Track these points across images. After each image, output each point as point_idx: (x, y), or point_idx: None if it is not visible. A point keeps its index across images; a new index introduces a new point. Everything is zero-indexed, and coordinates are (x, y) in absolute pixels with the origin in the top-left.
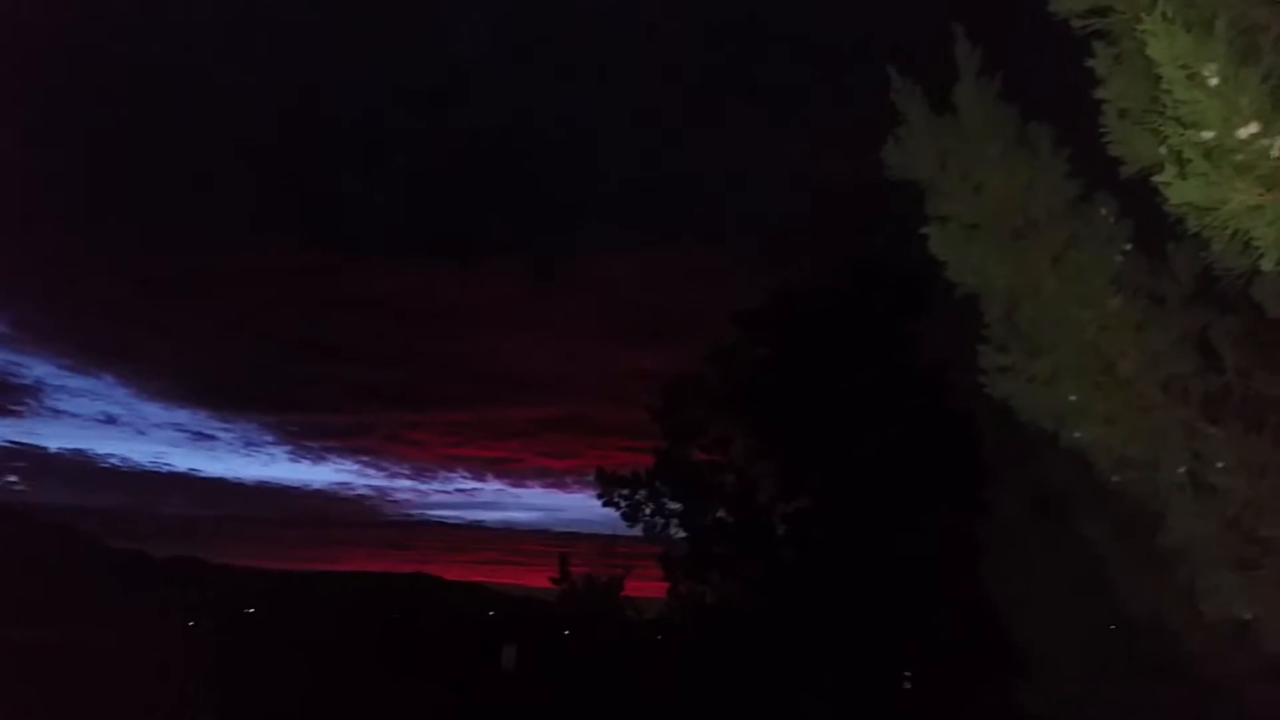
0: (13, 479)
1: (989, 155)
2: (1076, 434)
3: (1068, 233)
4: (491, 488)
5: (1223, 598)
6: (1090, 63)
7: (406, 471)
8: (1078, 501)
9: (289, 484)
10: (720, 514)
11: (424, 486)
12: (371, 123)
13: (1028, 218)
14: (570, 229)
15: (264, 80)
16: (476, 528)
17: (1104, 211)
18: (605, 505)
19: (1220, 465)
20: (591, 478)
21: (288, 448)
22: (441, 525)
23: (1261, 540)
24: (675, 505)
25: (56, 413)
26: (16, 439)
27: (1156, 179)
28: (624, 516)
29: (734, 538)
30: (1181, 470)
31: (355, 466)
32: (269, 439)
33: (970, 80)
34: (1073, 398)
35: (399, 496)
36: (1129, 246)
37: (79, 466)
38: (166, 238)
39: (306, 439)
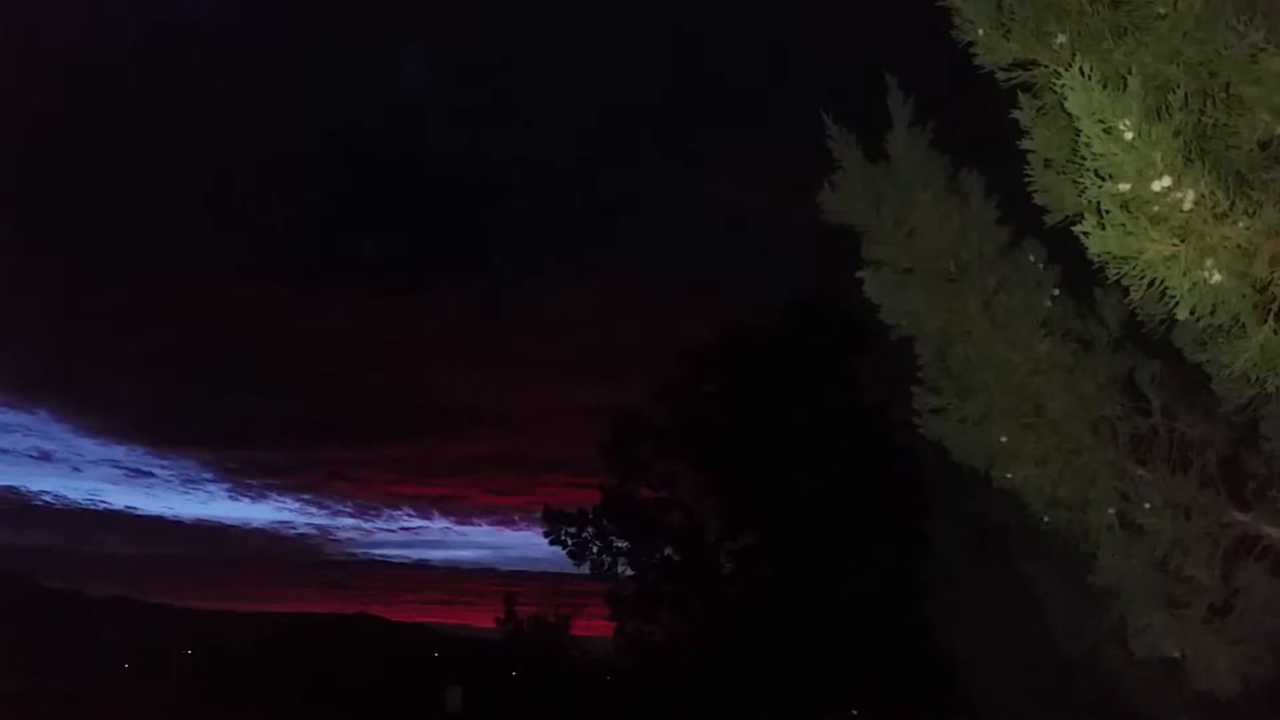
0: None
1: (921, 202)
2: (1008, 475)
3: (998, 277)
4: (437, 525)
5: (1152, 636)
6: (1016, 114)
7: (349, 509)
8: (1014, 540)
9: (228, 522)
10: (667, 551)
11: (368, 525)
12: (310, 150)
13: (959, 263)
14: (514, 263)
15: (201, 106)
16: (422, 566)
17: (1033, 257)
18: (553, 543)
19: (1148, 506)
20: (539, 515)
21: (227, 485)
22: (386, 564)
23: (1188, 580)
24: (622, 543)
25: None
26: None
27: (1077, 229)
28: (571, 555)
29: (681, 575)
30: (1111, 511)
31: (297, 504)
32: (208, 476)
33: (903, 129)
34: (1003, 439)
35: (342, 535)
36: (1057, 291)
37: (12, 504)
38: (100, 269)
39: (246, 476)
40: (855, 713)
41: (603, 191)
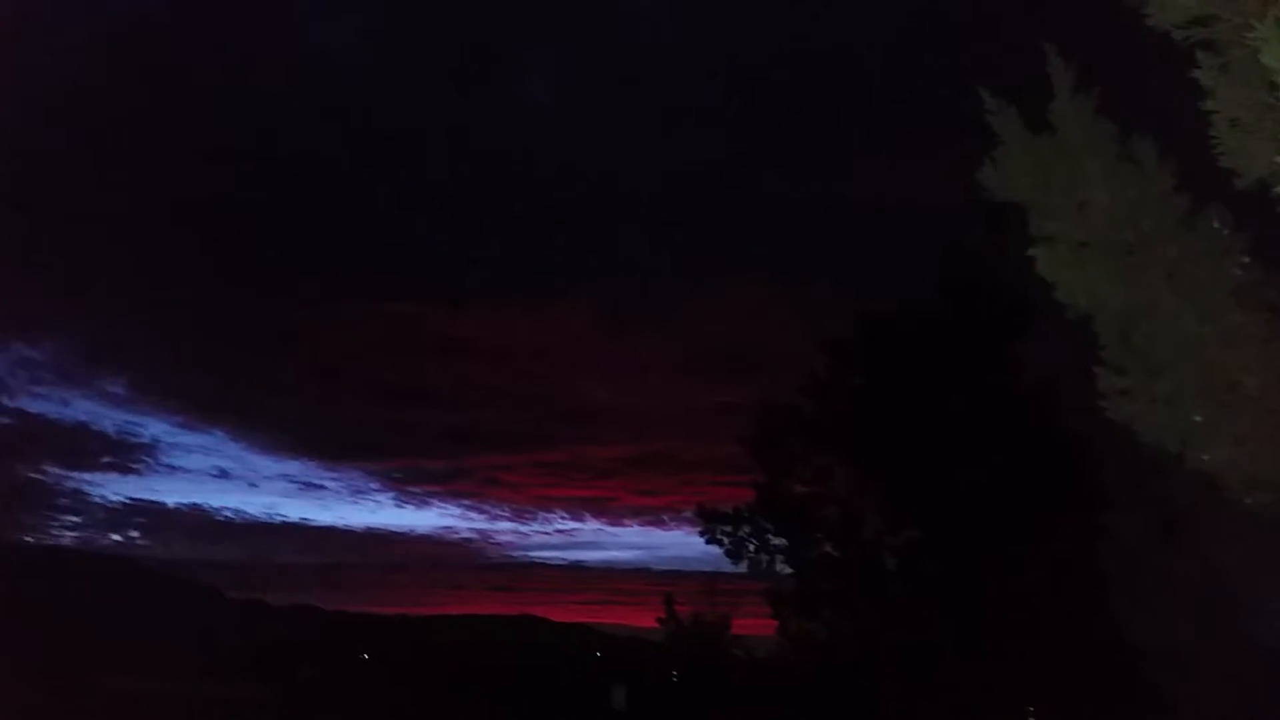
0: (135, 534)
1: (1091, 172)
2: (1204, 456)
3: (1180, 247)
4: (590, 527)
5: None
6: (1195, 74)
7: (506, 514)
8: (1207, 525)
9: (396, 530)
10: (826, 548)
11: (524, 528)
12: (444, 170)
13: (1138, 234)
14: (645, 265)
15: (345, 135)
16: (578, 568)
17: (1217, 224)
18: (709, 542)
19: None
20: (689, 514)
21: (392, 494)
22: (544, 566)
23: None
24: (779, 540)
25: (172, 469)
26: (136, 495)
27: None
28: (727, 554)
29: (842, 573)
30: None
31: (458, 510)
32: (374, 486)
33: (1066, 97)
34: (1197, 418)
35: (501, 539)
36: (1247, 259)
37: (196, 520)
38: (260, 295)
39: (409, 485)
40: (1032, 711)
41: (728, 190)
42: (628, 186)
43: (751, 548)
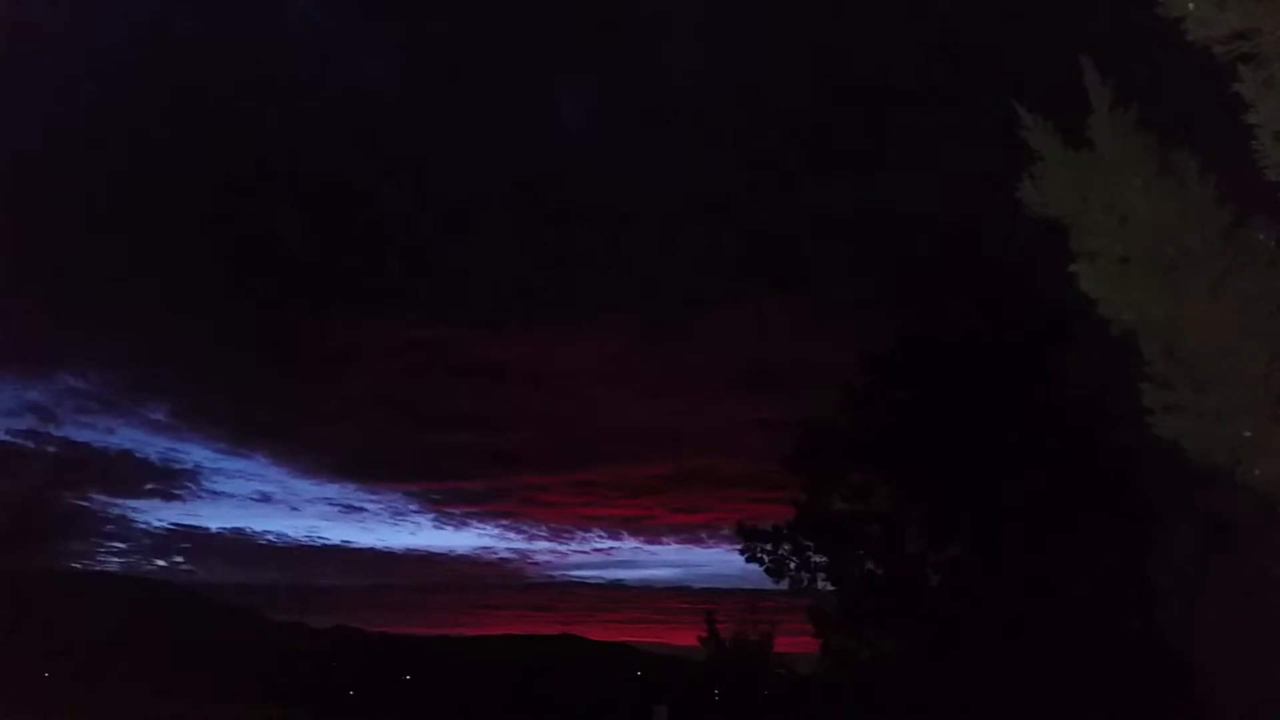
0: (179, 559)
1: (1132, 186)
2: (1255, 470)
3: (1225, 260)
4: (628, 545)
5: None
6: (1236, 87)
7: (544, 533)
8: (1257, 538)
9: (435, 550)
10: (869, 565)
11: (562, 547)
12: (481, 196)
13: (1180, 248)
14: (676, 285)
15: (382, 163)
16: (617, 587)
17: (1261, 237)
18: (749, 561)
19: None
20: (727, 531)
21: (431, 515)
22: (583, 585)
23: None
24: (820, 558)
25: (215, 494)
26: (180, 521)
27: None
28: (768, 572)
29: (885, 590)
30: None
31: (496, 530)
32: (413, 508)
33: (1104, 112)
34: (1247, 433)
35: (540, 558)
36: None
37: (239, 544)
38: (299, 321)
39: (448, 506)
40: None
41: (764, 206)
42: (661, 206)
43: (792, 565)
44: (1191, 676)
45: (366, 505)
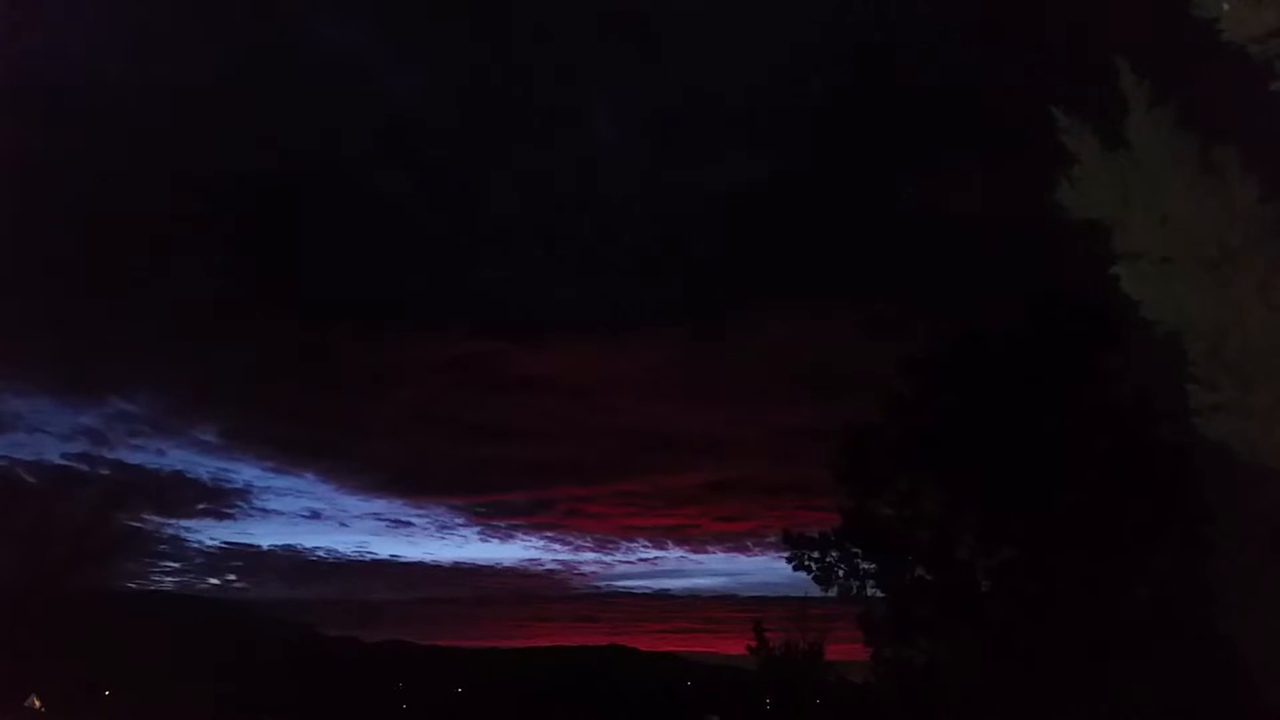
0: (231, 577)
1: (1173, 187)
2: None
3: (1269, 259)
4: (673, 555)
5: None
6: (1275, 85)
7: (590, 544)
8: None
9: (482, 563)
10: (918, 571)
11: (608, 558)
12: (520, 212)
13: (1223, 247)
14: (716, 294)
15: (425, 182)
16: (663, 596)
17: None
18: (796, 569)
19: None
20: (772, 539)
21: (478, 528)
22: (629, 595)
23: None
24: (868, 564)
25: (265, 512)
26: (232, 539)
27: None
28: (817, 580)
29: (936, 596)
30: None
31: (541, 542)
32: (460, 521)
33: (1142, 112)
34: None
35: (586, 569)
36: None
37: (289, 561)
38: (345, 340)
39: (494, 519)
40: None
41: (804, 212)
42: (700, 216)
43: (841, 573)
44: (1252, 681)
45: (414, 520)
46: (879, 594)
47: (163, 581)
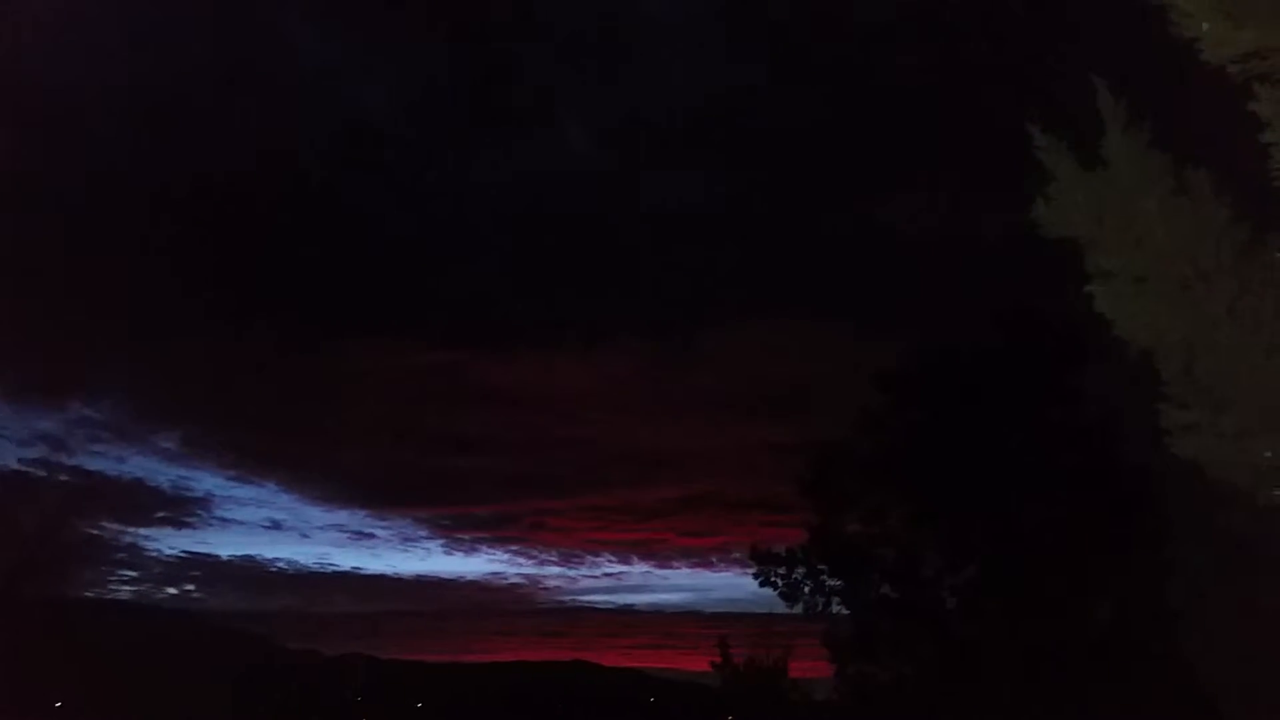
0: (190, 587)
1: (1147, 206)
2: (1276, 491)
3: (1241, 280)
4: (638, 570)
5: None
6: (1252, 106)
7: (554, 558)
8: (1277, 559)
9: (445, 576)
10: (884, 589)
11: (573, 572)
12: (487, 219)
13: (1196, 268)
14: (687, 306)
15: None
16: (628, 612)
17: (1279, 255)
18: (763, 585)
19: None
20: (738, 555)
21: (441, 541)
22: (594, 610)
23: None
24: (835, 581)
25: (225, 522)
26: (191, 549)
27: None
28: (782, 596)
29: (901, 613)
30: None
31: (505, 556)
32: (423, 534)
33: (1118, 132)
34: (1268, 454)
35: (550, 583)
36: None
37: (250, 571)
38: (308, 348)
39: (458, 531)
40: None
41: (771, 227)
42: (667, 227)
43: (807, 589)
44: (1210, 698)
45: (377, 531)
46: (844, 611)
47: (120, 590)
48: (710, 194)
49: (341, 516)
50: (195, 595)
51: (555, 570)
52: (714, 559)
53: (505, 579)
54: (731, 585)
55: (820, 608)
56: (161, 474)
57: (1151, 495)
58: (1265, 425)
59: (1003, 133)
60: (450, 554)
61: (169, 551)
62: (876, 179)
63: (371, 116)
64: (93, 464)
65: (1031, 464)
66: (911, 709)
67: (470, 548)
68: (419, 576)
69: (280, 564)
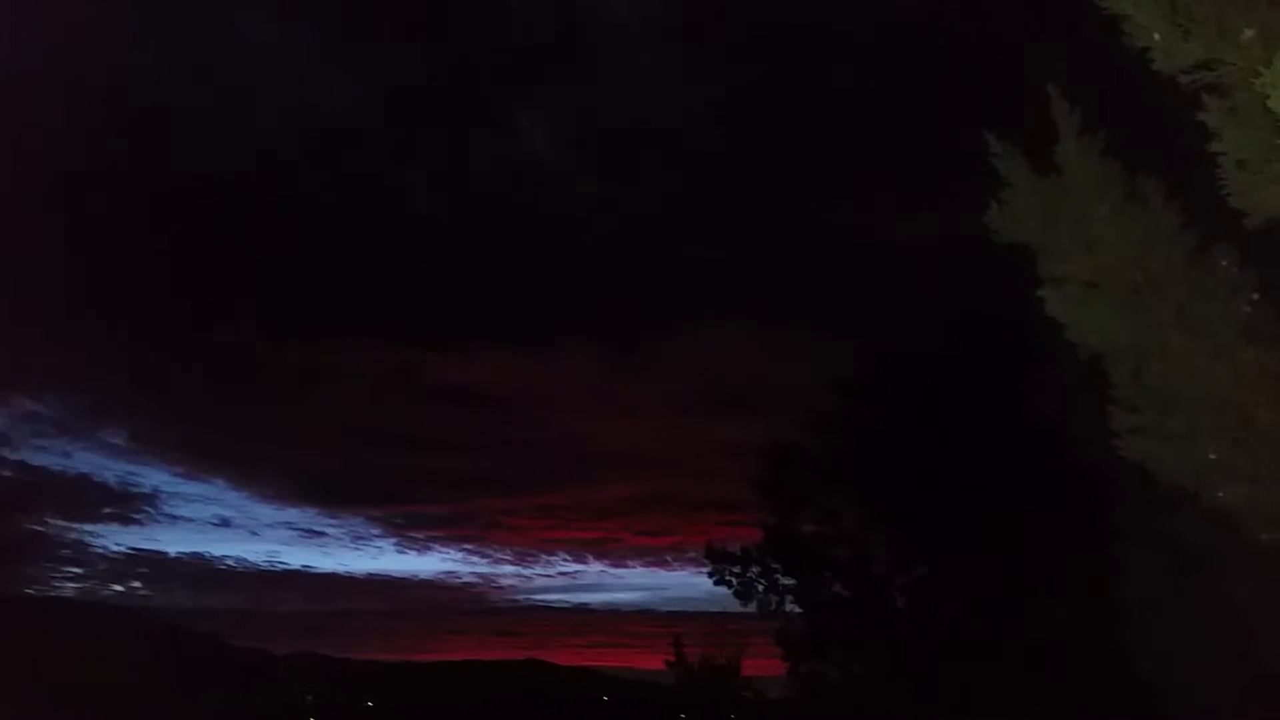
0: (136, 584)
1: (1099, 213)
2: (1219, 493)
3: (1189, 286)
4: (593, 569)
5: None
6: (1201, 116)
7: (509, 557)
8: (1223, 560)
9: (398, 575)
10: (837, 588)
11: (527, 571)
12: (441, 214)
13: (1146, 274)
14: (643, 305)
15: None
16: (582, 610)
17: (1225, 262)
18: (718, 584)
19: None
20: (692, 554)
21: (394, 540)
22: (548, 609)
23: None
24: (789, 580)
25: (173, 518)
26: (138, 546)
27: None
28: (737, 595)
29: (853, 613)
30: None
31: (459, 554)
32: (376, 532)
33: (1072, 139)
34: (1212, 455)
35: (504, 582)
36: (1256, 296)
37: (198, 569)
38: (259, 343)
39: (411, 530)
40: None
41: (727, 229)
42: (625, 228)
43: (761, 588)
44: (1155, 699)
45: (328, 530)
46: (798, 610)
47: (64, 587)
48: (666, 195)
49: (292, 514)
50: (142, 592)
51: (509, 569)
52: (669, 558)
53: (459, 578)
54: (686, 584)
55: (774, 606)
56: (108, 469)
57: (1100, 497)
58: (1209, 428)
59: (957, 138)
60: (403, 553)
61: (115, 548)
62: (833, 182)
63: (326, 114)
64: (37, 459)
65: (982, 466)
66: (863, 707)
67: (423, 546)
68: (371, 575)
69: (229, 561)
